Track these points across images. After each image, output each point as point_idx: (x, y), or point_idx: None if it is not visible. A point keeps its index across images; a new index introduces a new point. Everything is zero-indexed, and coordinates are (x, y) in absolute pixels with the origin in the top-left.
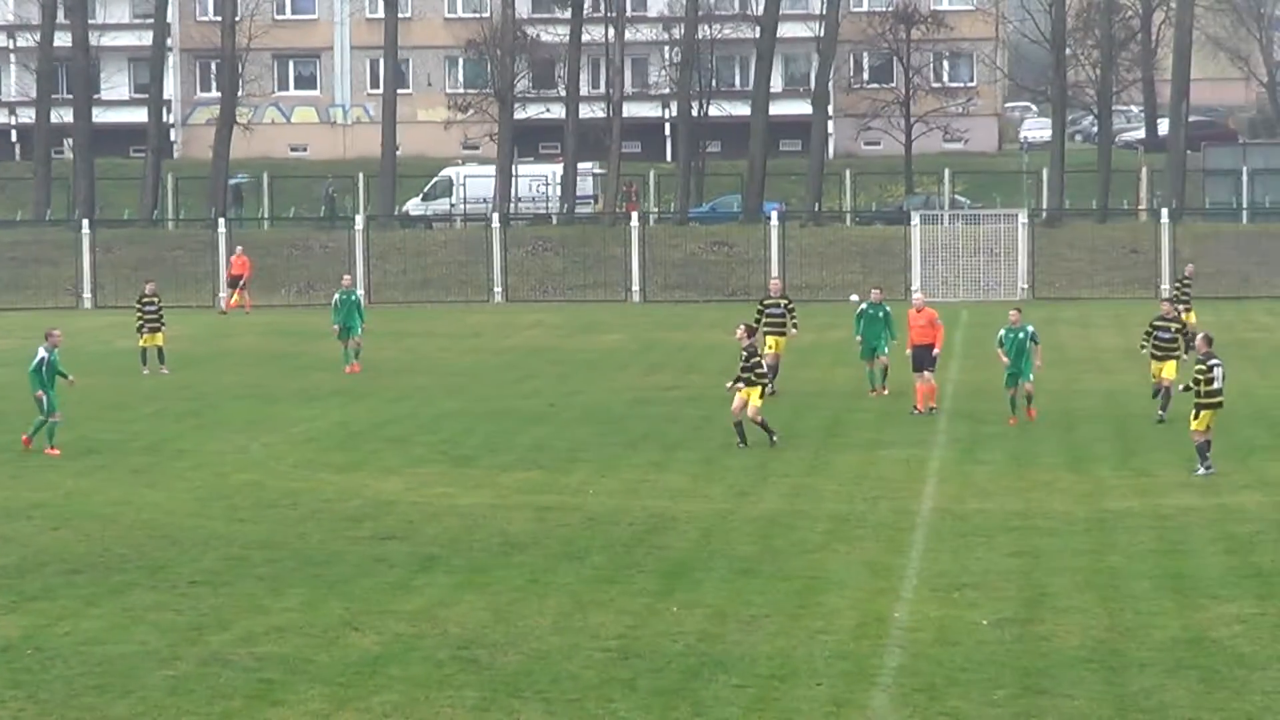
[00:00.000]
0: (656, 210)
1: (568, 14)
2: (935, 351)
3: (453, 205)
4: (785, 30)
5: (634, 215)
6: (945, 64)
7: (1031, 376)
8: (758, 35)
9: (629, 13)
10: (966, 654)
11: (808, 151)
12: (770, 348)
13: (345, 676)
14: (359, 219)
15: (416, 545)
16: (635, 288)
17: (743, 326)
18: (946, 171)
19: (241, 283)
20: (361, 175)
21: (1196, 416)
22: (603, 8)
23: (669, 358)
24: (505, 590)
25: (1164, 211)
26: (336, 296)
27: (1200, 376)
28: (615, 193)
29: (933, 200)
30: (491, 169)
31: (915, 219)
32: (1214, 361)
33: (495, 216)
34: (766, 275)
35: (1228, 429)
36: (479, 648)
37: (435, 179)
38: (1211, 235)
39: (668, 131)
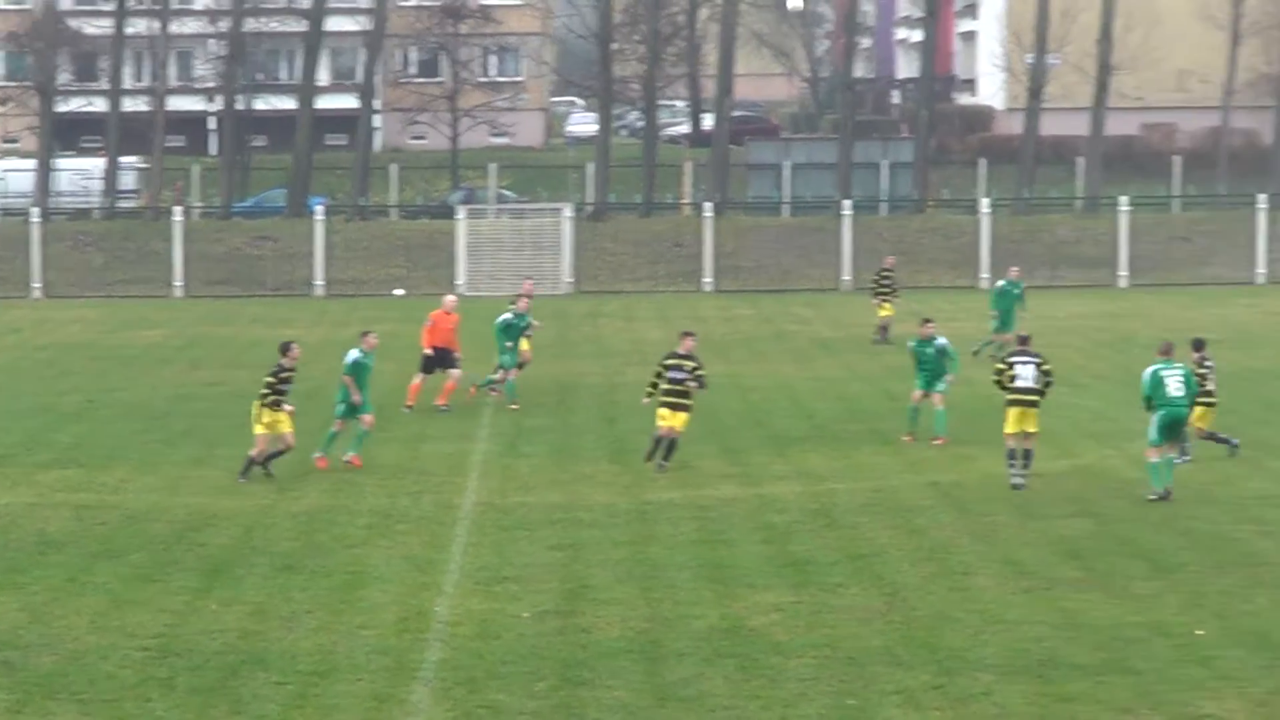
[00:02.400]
0: (201, 204)
1: (111, 6)
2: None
3: None
4: (333, 24)
5: (176, 209)
6: (493, 58)
7: (943, 388)
8: (305, 28)
9: (174, 5)
10: (508, 647)
11: (354, 145)
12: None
13: None
14: None
15: None
16: (178, 283)
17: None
18: (493, 166)
19: None
20: None
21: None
22: (147, 0)
23: (211, 354)
24: (41, 590)
25: (707, 205)
26: None
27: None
28: (159, 187)
29: (477, 194)
30: (32, 163)
31: (461, 213)
32: (1021, 358)
33: (34, 210)
34: (312, 270)
35: (766, 420)
36: (12, 649)
37: None
38: (753, 229)
39: (212, 125)
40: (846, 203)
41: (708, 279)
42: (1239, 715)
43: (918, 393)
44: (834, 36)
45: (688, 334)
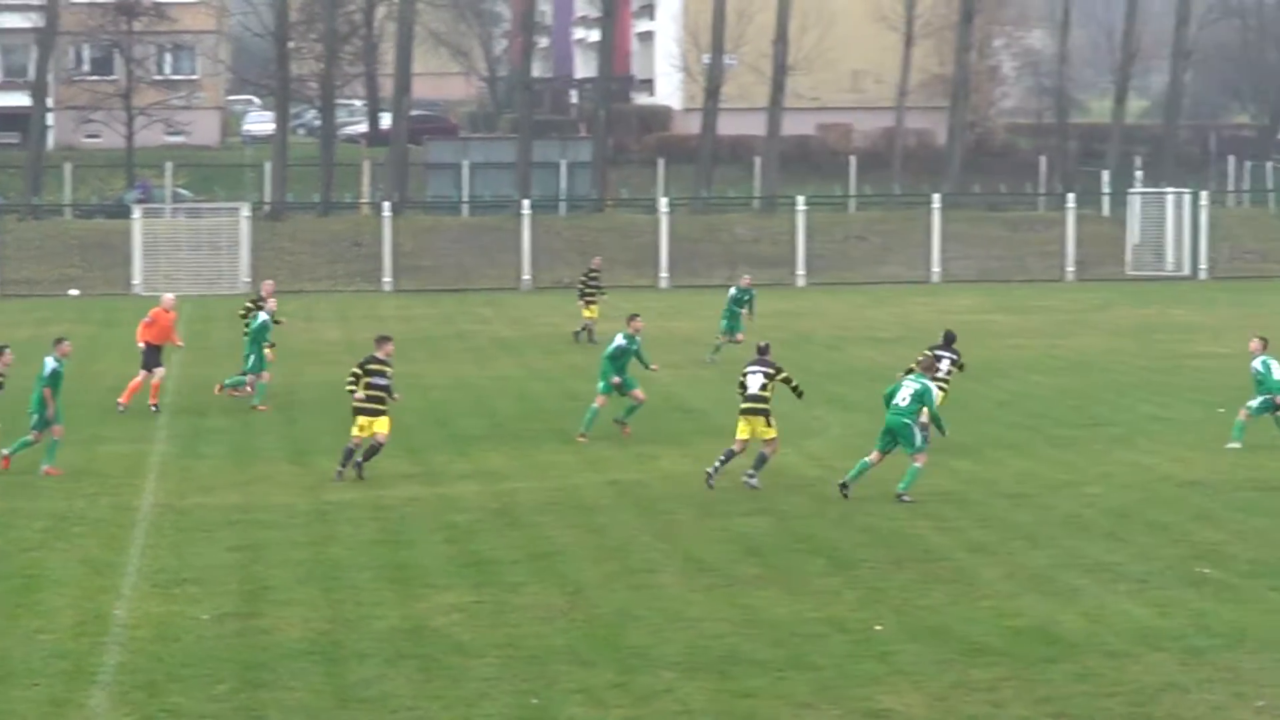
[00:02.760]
0: None
1: None
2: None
3: None
4: (3, 20)
5: None
6: (168, 56)
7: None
8: None
9: None
10: (187, 650)
11: (26, 144)
12: None
13: None
14: None
15: None
16: None
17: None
18: (169, 165)
19: None
20: None
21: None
22: None
23: None
24: None
25: (386, 205)
26: None
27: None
28: None
29: (154, 192)
30: None
31: (137, 212)
32: (753, 368)
33: None
34: None
35: (447, 419)
36: None
37: None
38: (433, 228)
39: None
40: (525, 202)
41: (387, 278)
42: (917, 709)
43: (602, 398)
44: (512, 36)
45: (386, 338)
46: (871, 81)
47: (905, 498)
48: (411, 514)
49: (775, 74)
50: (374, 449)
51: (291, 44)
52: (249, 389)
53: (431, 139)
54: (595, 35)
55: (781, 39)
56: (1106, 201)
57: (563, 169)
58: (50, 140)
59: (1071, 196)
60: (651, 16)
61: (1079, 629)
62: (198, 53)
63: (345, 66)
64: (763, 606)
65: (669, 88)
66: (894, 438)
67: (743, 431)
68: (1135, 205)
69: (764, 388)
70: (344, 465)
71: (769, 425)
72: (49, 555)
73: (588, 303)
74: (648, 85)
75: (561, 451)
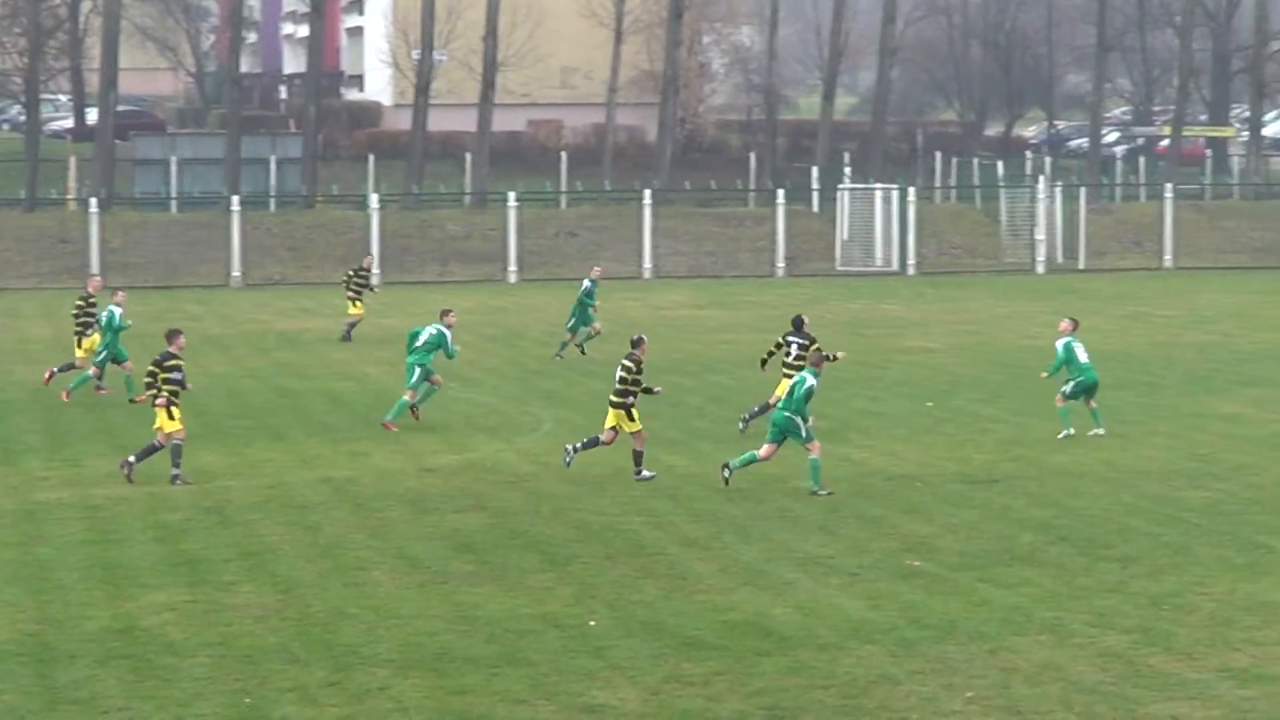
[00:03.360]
0: None
1: None
2: None
3: None
4: None
5: None
6: None
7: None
8: None
9: None
10: None
11: None
12: None
13: None
14: None
15: None
16: None
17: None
18: None
19: None
20: None
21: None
22: None
23: None
24: None
25: (93, 201)
26: None
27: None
28: None
29: None
30: None
31: None
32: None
33: None
34: None
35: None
36: None
37: None
38: (141, 224)
39: None
40: (235, 199)
41: (96, 274)
42: (632, 704)
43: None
44: (219, 31)
45: (177, 332)
46: (582, 78)
47: (821, 493)
48: (122, 513)
49: (485, 70)
50: (156, 449)
51: None
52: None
53: (139, 134)
54: (304, 30)
55: (491, 35)
56: (815, 198)
57: (272, 165)
58: None
59: (781, 193)
60: (361, 11)
61: (792, 622)
62: None
63: (50, 61)
64: (477, 603)
65: (379, 83)
66: (783, 432)
67: (609, 421)
68: (844, 201)
69: (618, 380)
70: (138, 461)
71: (626, 418)
72: None
73: (353, 300)
74: (357, 81)
75: (273, 449)
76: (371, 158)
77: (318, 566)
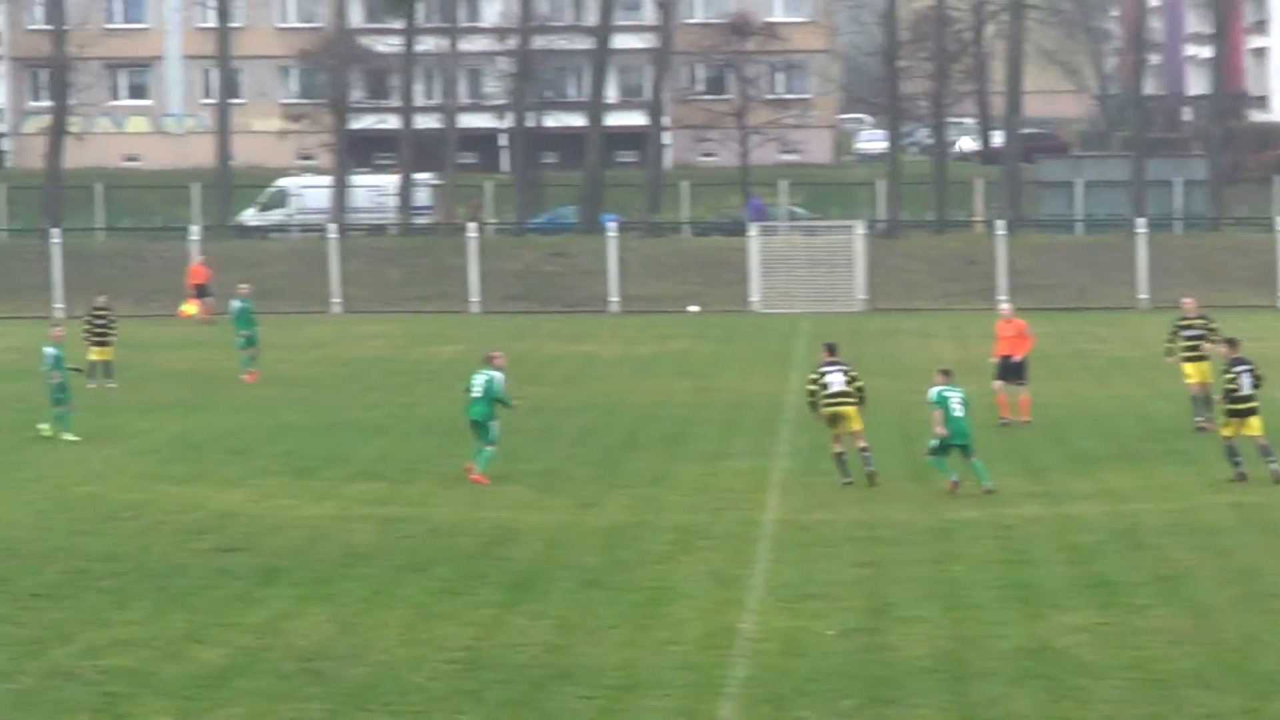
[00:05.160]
0: (494, 221)
1: (401, 24)
2: (1017, 360)
3: (289, 216)
4: (619, 41)
5: (471, 226)
6: (780, 76)
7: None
8: (592, 46)
9: (463, 23)
10: (813, 664)
11: (644, 163)
12: (1190, 376)
13: (190, 690)
14: (194, 229)
15: (259, 557)
16: (474, 299)
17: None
18: (783, 183)
19: (202, 291)
20: (196, 185)
21: (1226, 423)
22: (436, 18)
23: (509, 369)
24: (350, 602)
25: (1000, 223)
26: (236, 305)
27: (1228, 385)
28: (452, 204)
29: (769, 210)
30: (327, 180)
31: (753, 230)
32: (1240, 368)
33: (332, 227)
34: (605, 286)
35: (1067, 439)
36: (324, 660)
37: (270, 189)
38: (1046, 247)
39: (503, 142)
40: (1141, 220)
41: (1002, 297)
42: None
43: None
44: (1122, 53)
45: (831, 347)
46: None
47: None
48: (1034, 534)
49: None
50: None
51: (902, 62)
52: None
53: (1043, 157)
54: (1207, 52)
55: None
56: None
57: (1177, 187)
58: (667, 159)
59: None
60: (1265, 33)
61: None
62: (809, 72)
63: (955, 84)
64: None
65: None
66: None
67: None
68: None
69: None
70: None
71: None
72: (675, 568)
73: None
74: (1262, 102)
75: (1183, 473)
76: (1277, 179)
77: (1230, 592)
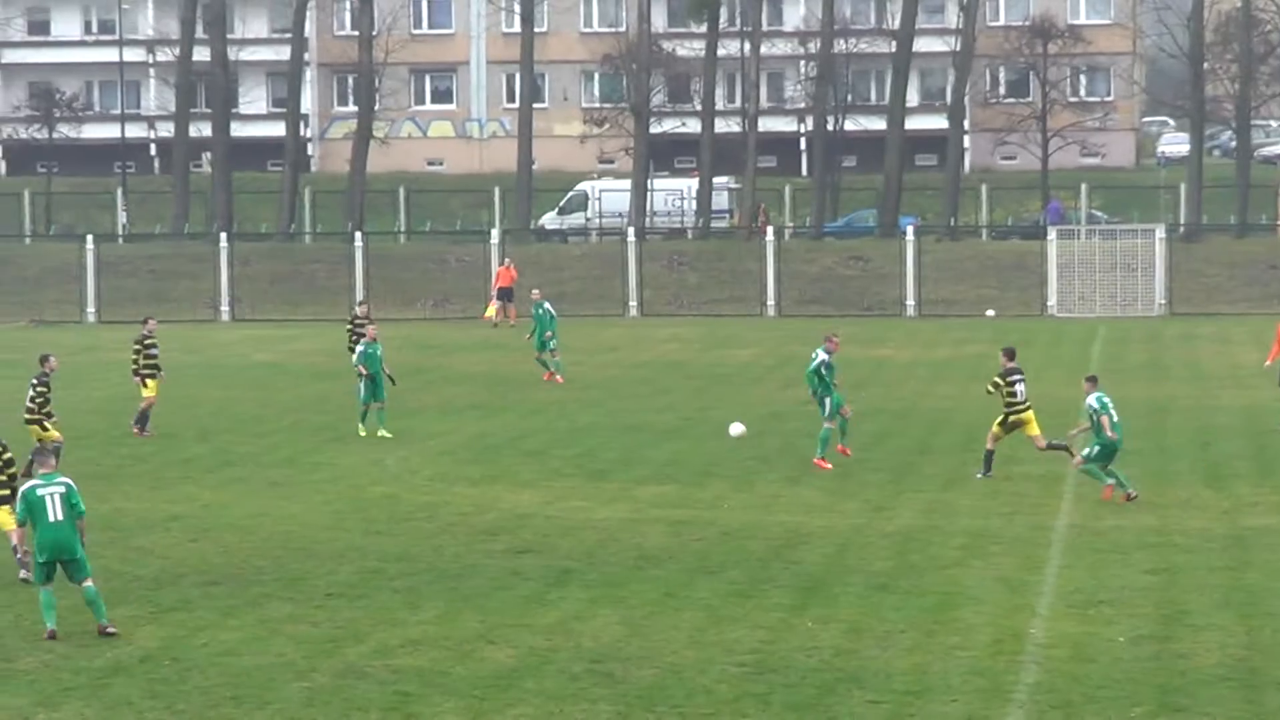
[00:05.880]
0: (791, 225)
1: (703, 28)
2: None
3: (588, 219)
4: (921, 44)
5: (769, 230)
6: (1082, 78)
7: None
8: (893, 49)
9: (765, 27)
10: (1103, 671)
11: (943, 166)
12: None
13: (480, 689)
14: (494, 233)
15: (551, 559)
16: (770, 302)
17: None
18: (1083, 186)
19: (505, 295)
20: (497, 189)
21: None
22: (738, 22)
23: (804, 372)
24: (640, 604)
25: None
26: (545, 306)
27: None
28: (751, 208)
29: (1068, 214)
30: (626, 183)
31: (1052, 234)
32: None
33: (630, 231)
34: (902, 290)
35: None
36: (613, 661)
37: (570, 193)
38: None
39: (803, 146)
40: None
41: None
42: None
43: None
44: None
45: (1012, 351)
46: None
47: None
48: None
49: None
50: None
51: (1206, 65)
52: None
53: None
54: None
55: None
56: None
57: None
58: (966, 162)
59: None
60: None
61: None
62: (1112, 74)
63: (1261, 86)
64: None
65: None
66: None
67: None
68: None
69: None
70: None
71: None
72: (965, 573)
73: None
74: None
75: None
76: None
77: None
